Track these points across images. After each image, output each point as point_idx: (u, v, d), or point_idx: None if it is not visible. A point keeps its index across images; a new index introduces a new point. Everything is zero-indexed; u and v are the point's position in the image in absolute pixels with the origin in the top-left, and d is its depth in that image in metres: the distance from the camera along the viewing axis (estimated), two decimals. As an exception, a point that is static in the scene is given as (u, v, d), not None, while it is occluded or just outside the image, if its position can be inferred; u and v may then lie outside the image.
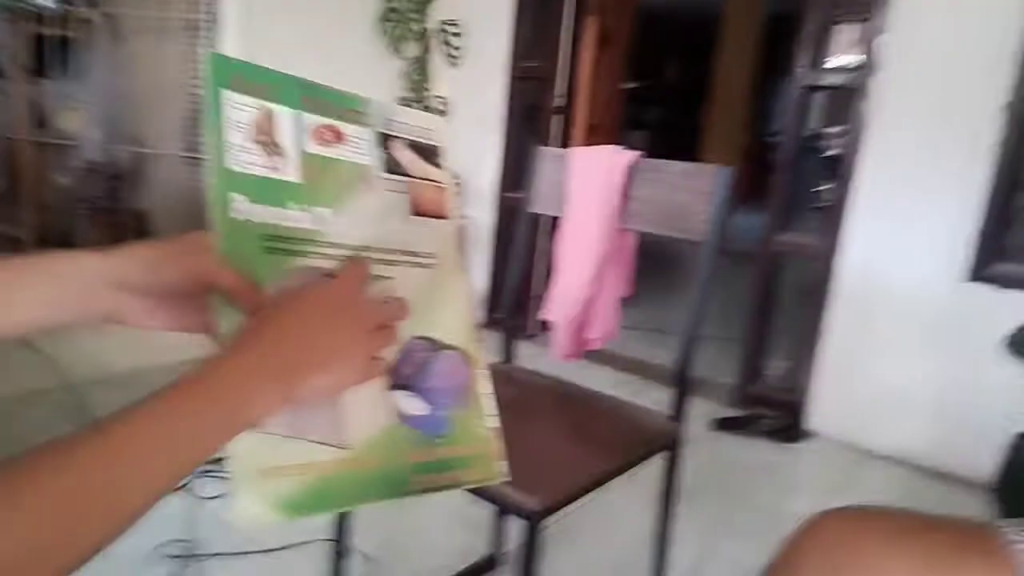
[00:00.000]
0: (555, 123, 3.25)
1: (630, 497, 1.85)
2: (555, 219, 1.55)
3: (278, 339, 0.50)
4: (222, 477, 1.89)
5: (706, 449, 2.46)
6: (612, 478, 1.17)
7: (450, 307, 0.67)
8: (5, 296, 0.54)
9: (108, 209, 3.10)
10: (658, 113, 9.94)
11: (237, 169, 0.56)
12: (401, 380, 0.61)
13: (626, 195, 1.41)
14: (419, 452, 0.61)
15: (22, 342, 2.19)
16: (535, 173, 1.55)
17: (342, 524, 1.35)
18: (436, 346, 0.65)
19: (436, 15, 3.26)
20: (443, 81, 3.37)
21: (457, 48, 3.33)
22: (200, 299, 0.56)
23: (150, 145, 3.11)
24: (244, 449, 0.52)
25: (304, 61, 2.72)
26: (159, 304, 0.58)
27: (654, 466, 1.31)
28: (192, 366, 0.48)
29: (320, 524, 1.67)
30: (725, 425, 2.65)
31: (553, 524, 1.73)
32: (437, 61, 3.34)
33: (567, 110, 3.25)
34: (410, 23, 3.20)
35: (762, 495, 2.22)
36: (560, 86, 3.21)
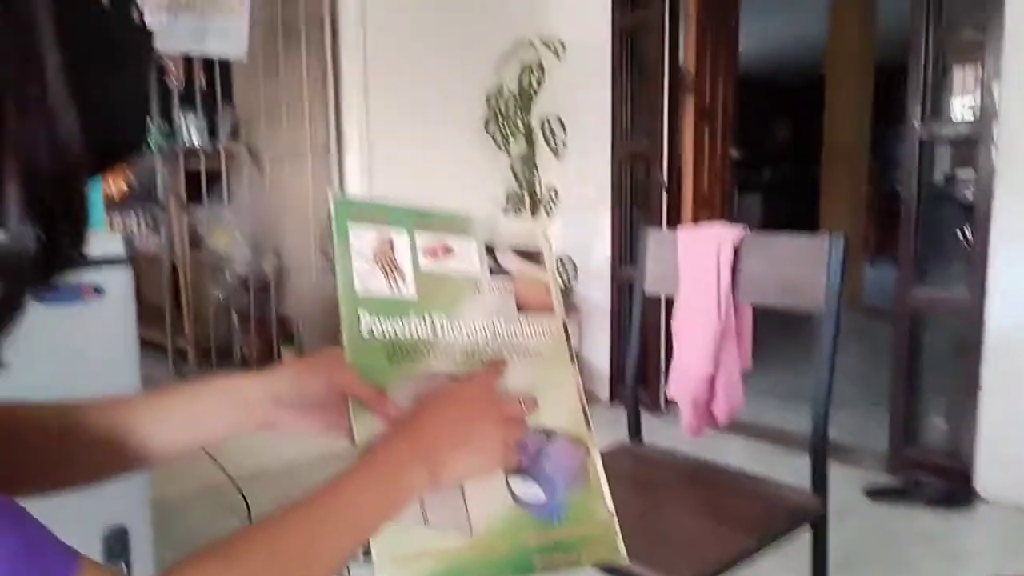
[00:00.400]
0: (663, 199, 3.30)
1: (781, 573, 1.78)
2: (670, 297, 1.58)
3: (426, 429, 0.59)
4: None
5: (860, 521, 2.32)
6: (752, 555, 1.15)
7: (560, 395, 0.72)
8: (190, 415, 0.65)
9: (257, 318, 3.39)
10: (772, 174, 9.79)
11: (362, 292, 0.66)
12: (519, 467, 0.66)
13: (737, 270, 1.43)
14: (539, 535, 0.66)
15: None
16: (644, 253, 1.59)
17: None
18: (548, 434, 0.69)
19: (539, 112, 3.43)
20: (551, 171, 3.51)
21: (561, 139, 3.47)
22: (339, 405, 0.65)
23: (290, 257, 3.41)
24: (384, 537, 0.58)
25: (421, 167, 2.94)
26: (305, 412, 0.67)
27: (804, 542, 1.27)
28: (358, 456, 0.57)
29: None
30: (880, 494, 2.49)
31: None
32: (543, 153, 3.49)
33: (674, 186, 3.29)
34: (515, 121, 3.38)
35: (929, 566, 2.06)
36: (664, 164, 3.27)
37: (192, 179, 3.47)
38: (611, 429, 2.00)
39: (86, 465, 0.62)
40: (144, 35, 0.48)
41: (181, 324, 3.54)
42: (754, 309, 1.53)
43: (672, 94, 3.22)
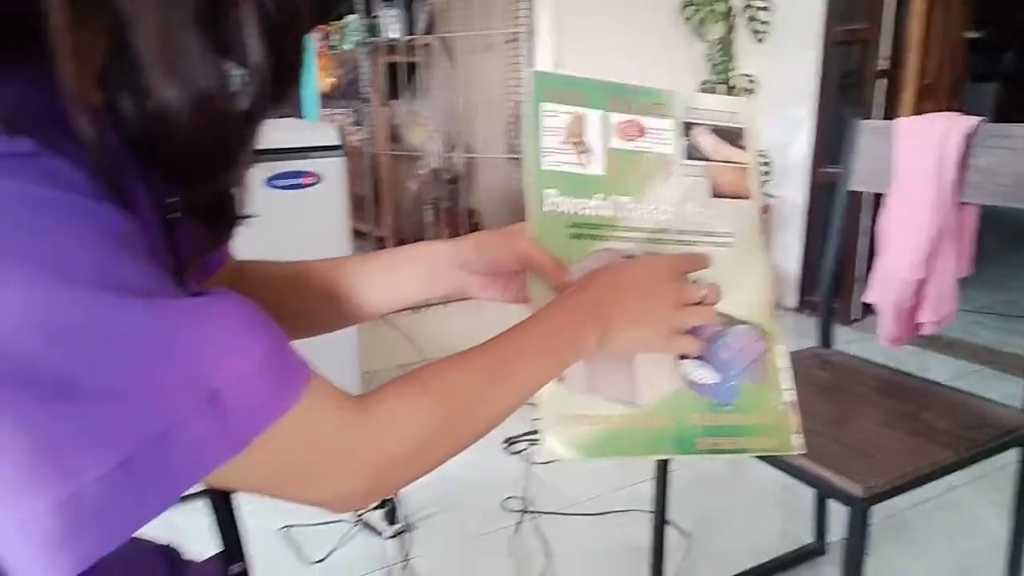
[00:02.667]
0: (878, 89, 2.97)
1: (981, 498, 1.68)
2: (878, 195, 1.46)
3: (604, 294, 0.60)
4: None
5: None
6: (949, 471, 1.09)
7: (747, 285, 0.70)
8: (389, 278, 0.71)
9: (447, 209, 3.56)
10: (1017, 59, 8.45)
11: (550, 169, 0.67)
12: (690, 354, 0.67)
13: (965, 165, 1.28)
14: (705, 416, 0.66)
15: (387, 322, 2.64)
16: (854, 148, 1.47)
17: (660, 496, 1.43)
18: (730, 321, 0.68)
19: (741, -8, 3.18)
20: (750, 58, 3.27)
21: (764, 22, 3.20)
22: (521, 276, 0.68)
23: (479, 151, 3.51)
24: (549, 399, 0.62)
25: (612, 54, 2.86)
26: (490, 280, 0.71)
27: (1010, 467, 1.18)
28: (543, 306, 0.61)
29: (642, 493, 1.79)
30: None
31: (886, 518, 1.65)
32: (742, 39, 3.25)
33: (893, 72, 2.95)
34: (713, 4, 3.16)
35: None
36: (885, 47, 2.92)
37: (392, 72, 3.61)
38: (797, 339, 1.93)
39: (312, 317, 0.70)
40: None
41: (380, 215, 3.80)
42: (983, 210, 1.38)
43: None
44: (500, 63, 3.16)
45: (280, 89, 0.44)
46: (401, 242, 3.71)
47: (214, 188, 0.46)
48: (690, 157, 0.71)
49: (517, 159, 3.14)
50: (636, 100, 0.71)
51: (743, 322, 0.69)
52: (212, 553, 0.64)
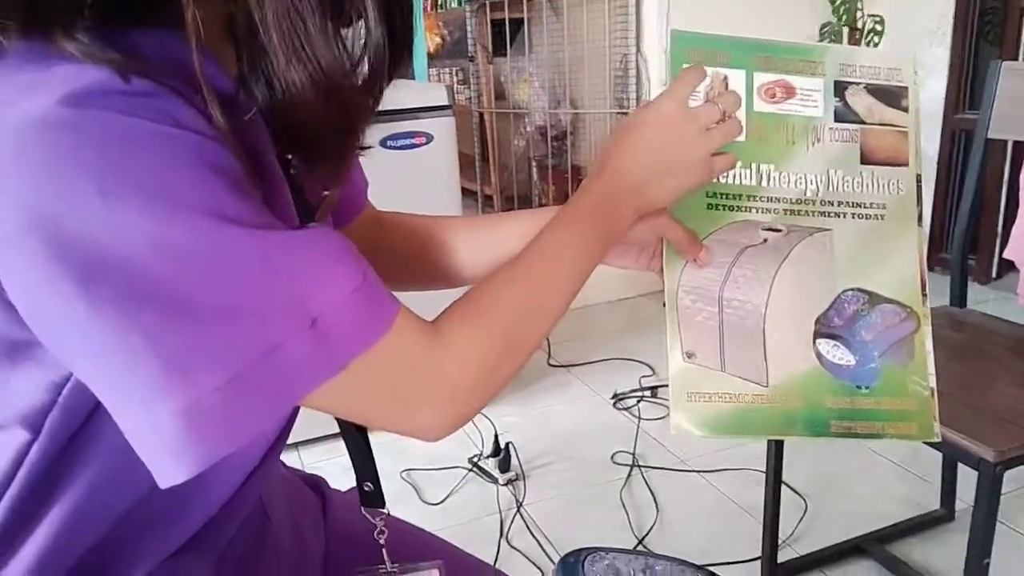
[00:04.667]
0: (1024, 25, 2.71)
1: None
2: (1019, 144, 1.35)
3: (621, 159, 0.60)
4: (660, 403, 2.10)
5: None
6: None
7: (896, 261, 0.66)
8: (496, 237, 0.70)
9: (553, 166, 3.55)
10: None
11: None
12: (830, 329, 0.64)
13: None
14: (840, 399, 0.64)
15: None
16: (994, 92, 1.36)
17: (775, 456, 1.41)
18: (873, 299, 0.65)
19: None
20: (877, -2, 3.05)
21: (895, -44, 2.97)
22: (654, 246, 0.67)
23: (584, 106, 3.46)
24: (680, 375, 0.62)
25: (722, 6, 2.73)
26: (623, 249, 0.69)
27: None
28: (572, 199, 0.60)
29: (754, 453, 1.76)
30: None
31: (1020, 487, 1.56)
32: (869, -24, 3.03)
33: (1043, 6, 2.68)
34: (838, -60, 2.95)
35: None
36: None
37: (497, 29, 3.61)
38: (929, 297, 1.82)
39: (441, 270, 0.72)
40: None
41: (488, 172, 3.84)
42: None
43: None
44: (607, 14, 3.09)
45: (396, 59, 0.47)
46: (508, 200, 3.75)
47: (336, 154, 0.49)
48: (842, 120, 0.67)
49: (625, 113, 3.08)
50: (784, 58, 0.67)
51: (889, 300, 0.66)
52: (350, 487, 0.69)
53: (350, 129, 0.48)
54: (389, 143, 1.83)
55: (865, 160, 0.67)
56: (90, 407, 0.43)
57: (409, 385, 0.47)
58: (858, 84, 0.68)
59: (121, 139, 0.36)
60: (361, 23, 0.45)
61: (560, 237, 0.57)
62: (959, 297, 1.44)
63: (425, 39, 3.82)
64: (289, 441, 0.59)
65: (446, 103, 1.87)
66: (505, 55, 3.67)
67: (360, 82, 0.46)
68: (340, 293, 0.42)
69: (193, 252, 0.37)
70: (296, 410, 0.53)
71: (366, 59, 0.45)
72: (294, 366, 0.40)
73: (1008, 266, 2.78)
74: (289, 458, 1.44)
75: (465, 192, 3.70)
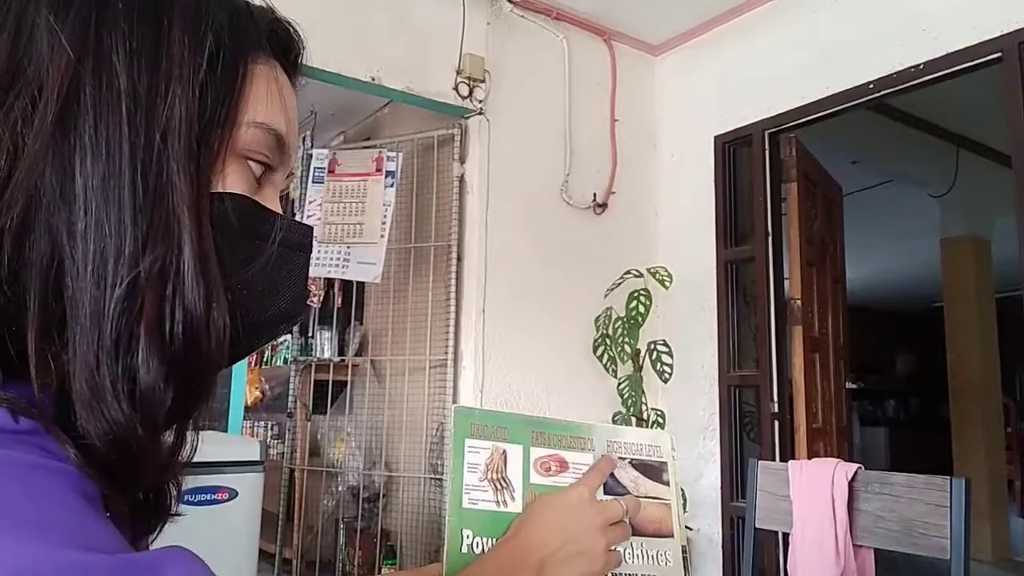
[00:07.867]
0: (776, 428, 3.22)
1: None
2: (785, 533, 1.53)
3: (533, 537, 0.63)
4: None
5: None
6: None
7: None
8: None
9: (362, 529, 3.42)
10: (897, 407, 9.30)
11: (470, 507, 0.67)
12: None
13: (853, 509, 1.38)
14: None
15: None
16: (756, 486, 1.57)
17: None
18: None
19: (646, 337, 3.55)
20: (658, 395, 3.54)
21: (668, 364, 3.53)
22: None
23: (399, 470, 3.50)
24: None
25: (531, 383, 3.05)
26: None
27: None
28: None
29: None
30: None
31: None
32: (651, 377, 3.54)
33: (785, 415, 3.23)
34: (623, 345, 3.49)
35: None
36: (774, 393, 3.24)
37: (320, 388, 3.72)
38: None
39: None
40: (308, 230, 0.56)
41: (290, 533, 3.61)
42: (877, 552, 1.45)
43: (779, 324, 3.27)
44: (426, 384, 3.32)
45: (186, 415, 0.50)
46: (309, 566, 3.48)
47: (138, 491, 0.51)
48: (611, 492, 0.70)
49: (438, 479, 3.14)
50: (557, 434, 0.72)
51: None
52: None
53: (146, 474, 0.49)
54: (187, 497, 1.73)
55: (634, 532, 0.70)
56: None
57: None
58: (624, 459, 0.73)
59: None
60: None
61: None
62: None
63: (245, 392, 3.84)
64: None
65: (258, 458, 1.84)
66: (325, 413, 3.73)
67: (152, 435, 0.47)
68: None
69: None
70: None
71: (153, 412, 0.46)
72: None
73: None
74: None
75: (263, 554, 3.42)
